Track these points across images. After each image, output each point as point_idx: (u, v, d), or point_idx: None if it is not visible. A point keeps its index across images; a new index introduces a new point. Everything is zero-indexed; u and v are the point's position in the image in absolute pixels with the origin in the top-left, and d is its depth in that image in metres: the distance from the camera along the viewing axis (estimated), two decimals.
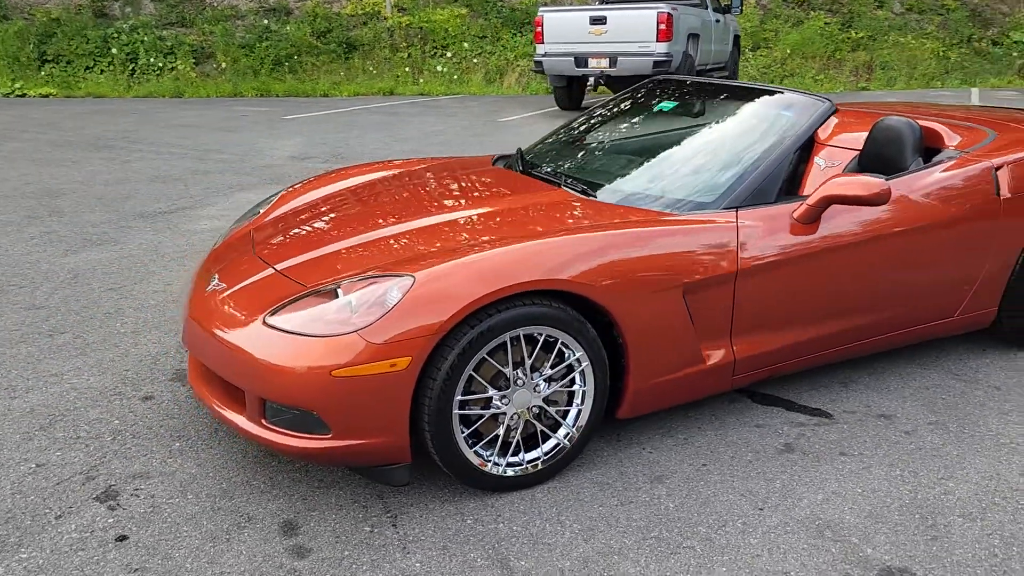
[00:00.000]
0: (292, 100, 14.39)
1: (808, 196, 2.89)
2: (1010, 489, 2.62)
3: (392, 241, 2.81)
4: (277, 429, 2.46)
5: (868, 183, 2.78)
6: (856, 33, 17.13)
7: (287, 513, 2.51)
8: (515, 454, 2.60)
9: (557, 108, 12.31)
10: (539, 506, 2.54)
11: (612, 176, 3.22)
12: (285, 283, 2.68)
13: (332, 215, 3.19)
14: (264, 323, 2.50)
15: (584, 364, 2.60)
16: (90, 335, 3.85)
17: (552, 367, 2.58)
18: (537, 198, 3.05)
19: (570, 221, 2.79)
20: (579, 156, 3.61)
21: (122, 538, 2.39)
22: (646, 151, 3.37)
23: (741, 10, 13.51)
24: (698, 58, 11.54)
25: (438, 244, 2.71)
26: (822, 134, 3.57)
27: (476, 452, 2.53)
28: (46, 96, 15.03)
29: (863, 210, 2.99)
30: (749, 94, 3.37)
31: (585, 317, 2.57)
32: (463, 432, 2.48)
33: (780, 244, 2.85)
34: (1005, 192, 3.30)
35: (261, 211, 3.44)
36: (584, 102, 12.65)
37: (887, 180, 3.00)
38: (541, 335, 2.52)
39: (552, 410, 2.63)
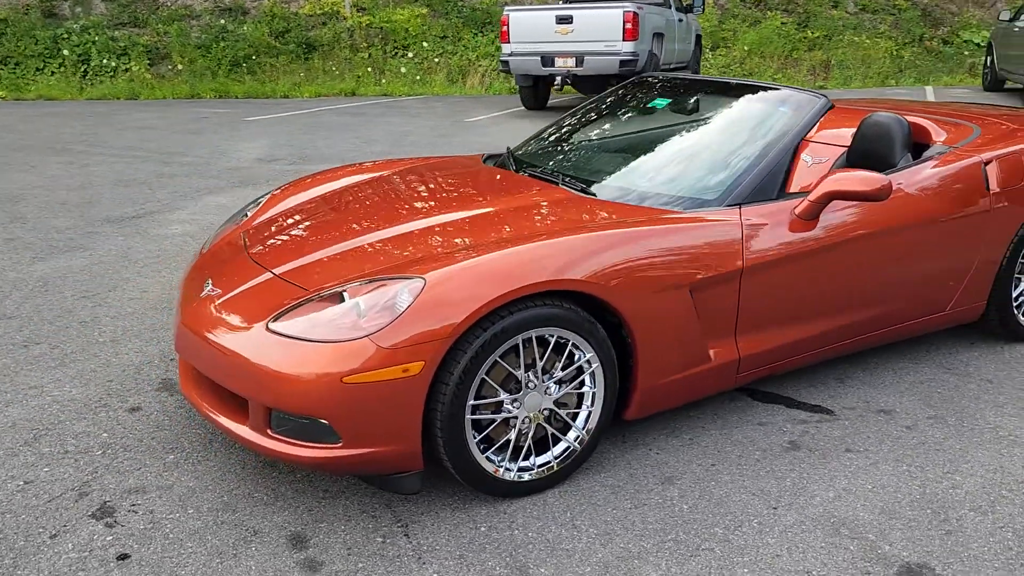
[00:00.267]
0: (252, 101, 14.15)
1: (809, 192, 2.89)
2: (1016, 482, 2.64)
3: (393, 242, 2.74)
4: (284, 439, 2.38)
5: (870, 179, 2.79)
6: (812, 33, 17.38)
7: (294, 525, 2.44)
8: (526, 458, 2.56)
9: (523, 108, 12.27)
10: (552, 511, 2.50)
11: (611, 174, 3.19)
12: (285, 287, 2.60)
13: (327, 217, 3.11)
14: (267, 329, 2.42)
15: (595, 365, 2.57)
16: (67, 345, 3.71)
17: (562, 369, 2.54)
18: (537, 197, 3.00)
19: (575, 220, 2.75)
20: (574, 154, 3.57)
21: (124, 556, 2.29)
22: (643, 148, 3.35)
23: (703, 9, 13.61)
24: (662, 57, 11.60)
25: (442, 245, 2.65)
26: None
27: (488, 458, 2.48)
28: None
29: (862, 205, 3.00)
30: (744, 91, 3.36)
31: (593, 318, 2.53)
32: (475, 437, 2.43)
33: (783, 241, 2.85)
34: (994, 186, 3.34)
35: (250, 213, 3.35)
36: (550, 102, 12.64)
37: (886, 175, 3.01)
38: (552, 337, 2.48)
39: (563, 413, 2.59)
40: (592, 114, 3.83)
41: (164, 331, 3.86)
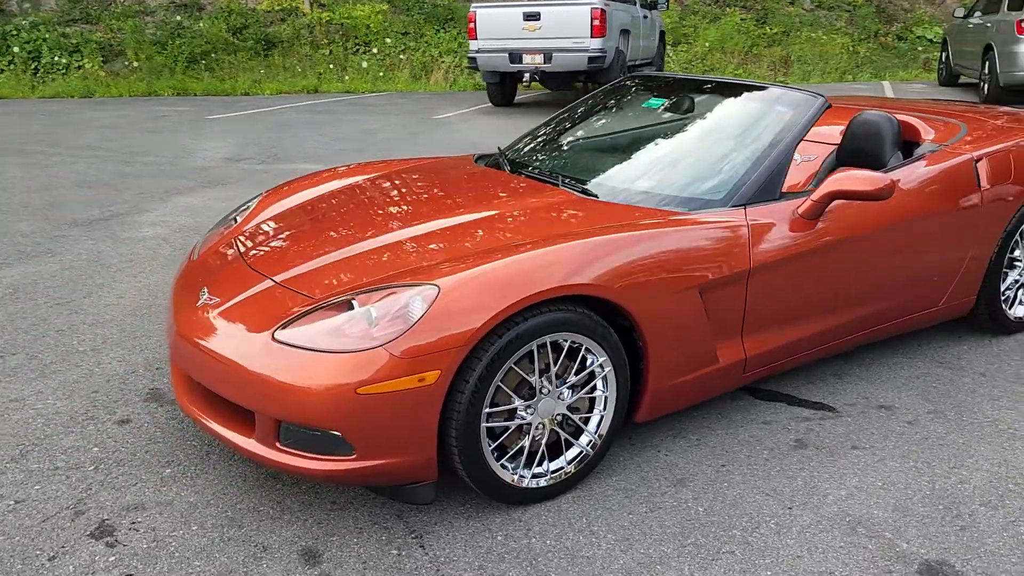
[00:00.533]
0: (213, 99, 13.88)
1: (812, 192, 2.89)
2: (1021, 475, 2.67)
3: (398, 248, 2.68)
4: (293, 451, 2.31)
5: (873, 178, 2.80)
6: (771, 29, 17.58)
7: (304, 540, 2.36)
8: (539, 464, 2.52)
9: (490, 104, 12.21)
10: (568, 517, 2.46)
11: (610, 175, 3.16)
12: (288, 295, 2.52)
13: (324, 221, 3.03)
14: (273, 339, 2.34)
15: (607, 369, 2.54)
16: (45, 355, 3.58)
17: (575, 374, 2.51)
18: (539, 199, 2.96)
19: (582, 223, 2.71)
20: (571, 155, 3.53)
21: None
22: (642, 149, 3.32)
23: (667, 6, 13.68)
24: (628, 54, 11.62)
25: (449, 250, 2.60)
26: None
27: (502, 465, 2.43)
28: None
29: (861, 204, 3.00)
30: (742, 91, 3.35)
31: (605, 322, 2.50)
32: (490, 446, 2.38)
33: (787, 240, 2.84)
34: (984, 183, 3.38)
35: (240, 218, 3.25)
36: (517, 98, 12.60)
37: (887, 174, 3.03)
38: (566, 342, 2.44)
39: (576, 418, 2.55)
40: (585, 114, 3.79)
41: (146, 339, 3.74)
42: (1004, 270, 3.63)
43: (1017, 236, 3.60)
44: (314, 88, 15.06)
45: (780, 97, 3.18)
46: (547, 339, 2.38)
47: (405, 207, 3.08)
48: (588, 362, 2.52)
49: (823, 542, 2.34)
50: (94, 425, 2.99)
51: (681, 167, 3.08)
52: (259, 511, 2.49)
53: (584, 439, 2.58)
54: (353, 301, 2.36)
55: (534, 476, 2.49)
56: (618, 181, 3.07)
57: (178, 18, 16.55)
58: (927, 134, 3.64)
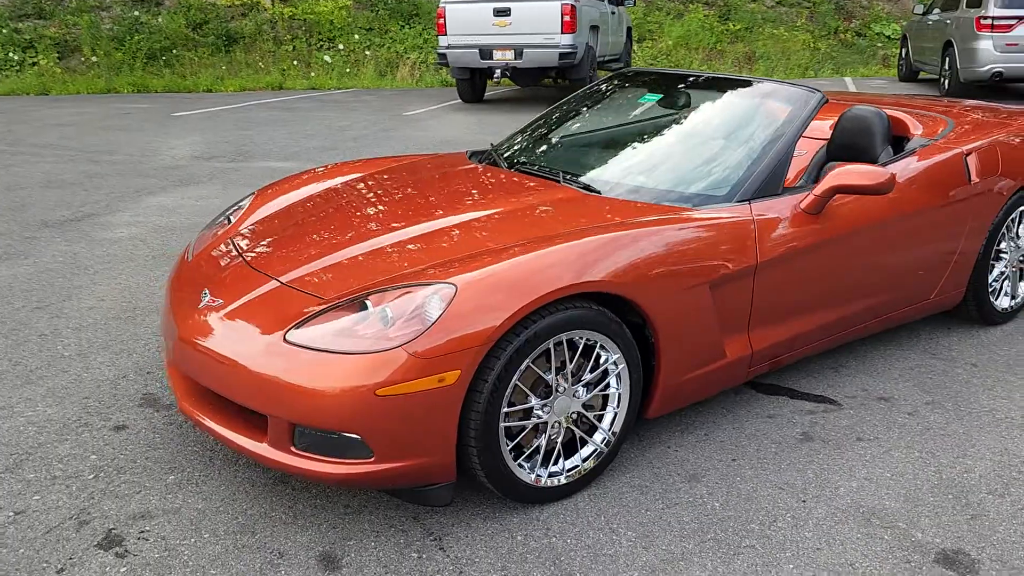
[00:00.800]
0: (175, 96, 13.62)
1: (814, 186, 2.91)
2: (1023, 463, 2.72)
3: (405, 247, 2.64)
4: (309, 455, 2.26)
5: (874, 172, 2.82)
6: (734, 25, 17.75)
7: (321, 545, 2.32)
8: (555, 463, 2.50)
9: (460, 101, 12.15)
10: (586, 516, 2.45)
11: (612, 171, 3.14)
12: (296, 296, 2.47)
13: (324, 220, 2.97)
14: (285, 340, 2.29)
15: (620, 366, 2.53)
16: (30, 361, 3.47)
17: (590, 371, 2.50)
18: (542, 196, 2.94)
19: (591, 219, 2.70)
20: (569, 151, 3.52)
21: None
22: (642, 145, 3.32)
23: (634, 2, 13.73)
24: (598, 50, 11.64)
25: (459, 248, 2.56)
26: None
27: (519, 464, 2.41)
28: None
29: (860, 198, 3.03)
30: (739, 86, 3.36)
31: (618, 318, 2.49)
32: (507, 445, 2.36)
33: (791, 235, 2.86)
34: (974, 177, 3.44)
35: (234, 218, 3.18)
36: (486, 94, 12.56)
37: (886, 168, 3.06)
38: (582, 339, 2.42)
39: (591, 415, 2.54)
40: (580, 109, 3.78)
41: (133, 342, 3.65)
42: (991, 262, 3.70)
43: (1003, 229, 3.67)
44: (278, 85, 14.86)
45: (778, 92, 3.20)
46: (563, 337, 2.37)
47: (406, 205, 3.04)
48: (602, 359, 2.51)
49: (840, 534, 2.36)
50: (89, 432, 2.90)
51: (683, 163, 3.08)
52: (271, 517, 2.44)
53: (598, 436, 2.57)
54: (366, 301, 2.32)
55: (551, 475, 2.48)
56: (620, 177, 3.06)
57: (136, 13, 16.21)
58: (916, 129, 3.69)
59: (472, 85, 11.59)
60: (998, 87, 11.43)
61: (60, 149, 8.50)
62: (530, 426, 2.41)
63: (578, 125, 3.71)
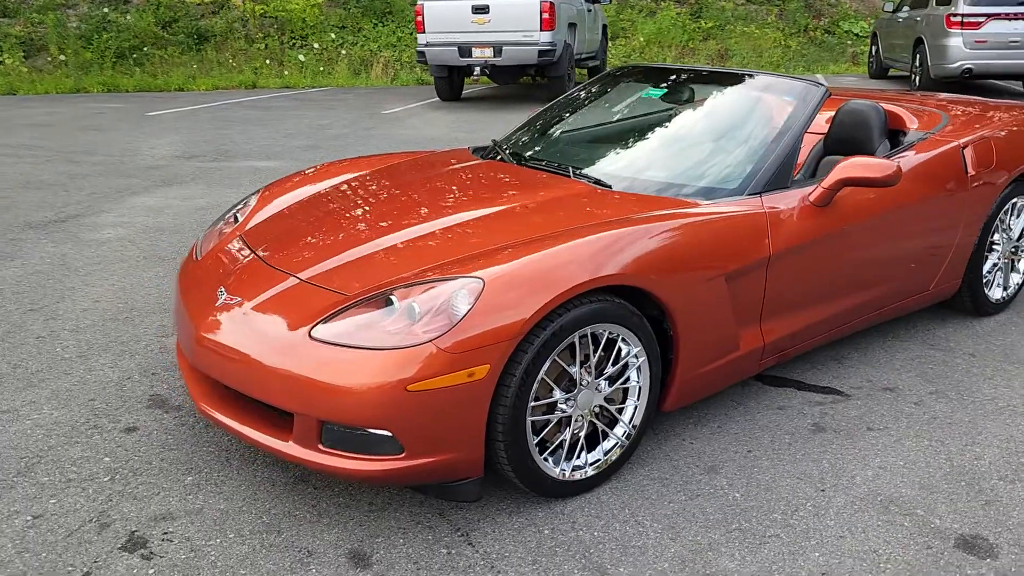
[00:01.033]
0: (146, 95, 13.42)
1: (823, 179, 2.95)
2: None
3: (422, 242, 2.64)
4: (337, 452, 2.25)
5: (881, 165, 2.87)
6: (706, 23, 17.90)
7: (349, 542, 2.31)
8: (578, 457, 2.51)
9: (438, 99, 12.12)
10: (610, 509, 2.47)
11: (623, 166, 3.16)
12: (317, 293, 2.46)
13: (337, 216, 2.96)
14: (310, 337, 2.28)
15: (641, 359, 2.55)
16: (30, 363, 3.41)
17: (612, 364, 2.51)
18: (556, 191, 2.95)
19: (608, 213, 2.71)
20: (577, 147, 3.53)
21: None
22: (650, 139, 3.34)
23: (610, 0, 13.77)
24: (575, 47, 11.68)
25: (479, 242, 2.57)
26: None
27: (544, 459, 2.42)
28: None
29: (866, 190, 3.08)
30: (744, 80, 3.40)
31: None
32: (534, 440, 2.37)
33: (801, 227, 2.90)
34: (970, 169, 3.51)
35: (241, 216, 3.15)
36: (464, 92, 12.54)
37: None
38: (605, 333, 2.44)
39: (613, 408, 2.56)
40: (583, 104, 3.80)
41: (134, 343, 3.61)
42: (985, 254, 3.78)
43: (997, 221, 3.74)
44: (251, 83, 14.71)
45: (784, 87, 3.24)
46: (588, 330, 2.38)
47: (418, 201, 3.03)
48: (623, 353, 2.52)
49: (861, 522, 2.40)
50: (99, 435, 2.86)
51: (693, 157, 3.11)
52: (295, 516, 2.43)
53: (619, 430, 2.59)
54: (391, 296, 2.31)
55: (575, 468, 2.49)
56: (631, 171, 3.08)
57: (104, 11, 15.96)
58: (911, 123, 3.76)
59: (450, 83, 11.57)
60: (968, 83, 11.64)
61: (36, 150, 8.34)
62: (555, 420, 2.42)
63: (583, 120, 3.72)
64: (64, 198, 6.31)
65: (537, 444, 2.40)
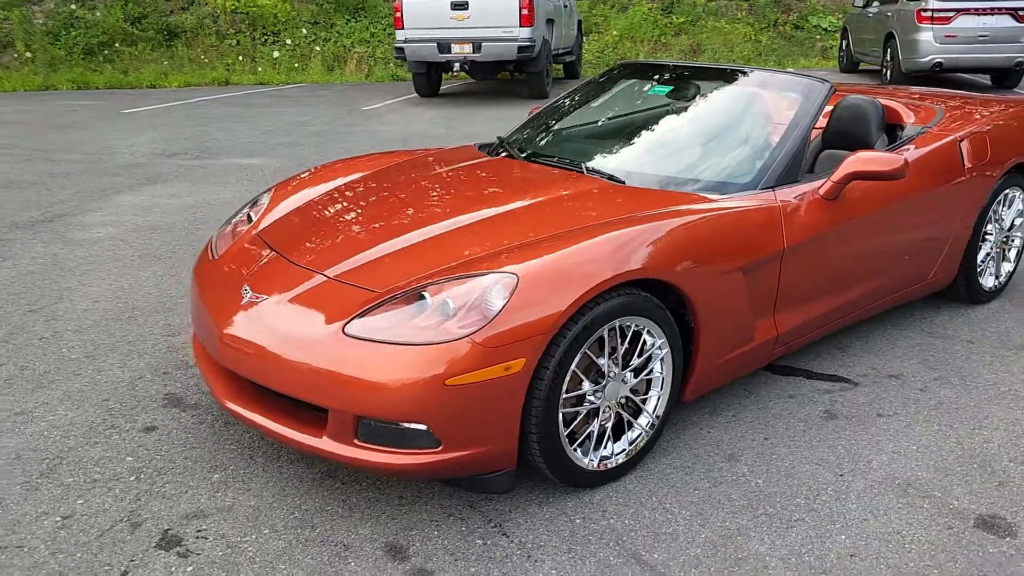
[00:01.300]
0: (118, 92, 13.22)
1: (832, 173, 3.02)
2: None
3: (448, 238, 2.66)
4: (373, 447, 2.27)
5: (889, 159, 2.94)
6: (677, 18, 18.04)
7: (384, 536, 2.33)
8: (605, 447, 2.56)
9: (416, 95, 12.10)
10: (638, 497, 2.51)
11: (636, 162, 3.19)
12: (346, 290, 2.47)
13: (355, 213, 2.97)
14: (344, 333, 2.29)
15: (664, 351, 2.60)
16: (37, 365, 3.38)
17: (638, 356, 2.56)
18: (572, 187, 2.98)
19: (627, 208, 2.75)
20: (587, 142, 3.56)
21: None
22: (660, 135, 3.38)
23: None
24: (553, 43, 11.72)
25: (502, 238, 2.59)
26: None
27: (574, 449, 2.46)
28: None
29: (871, 184, 3.15)
30: (751, 76, 3.45)
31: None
32: (564, 431, 2.41)
33: (812, 220, 2.96)
34: (967, 162, 3.60)
35: (255, 215, 3.14)
36: (442, 88, 12.52)
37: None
38: (631, 325, 2.48)
39: (638, 399, 2.60)
40: (590, 100, 3.83)
41: (140, 343, 3.58)
42: (979, 243, 3.88)
43: (990, 212, 3.84)
44: (224, 80, 14.55)
45: (789, 83, 3.30)
46: (616, 323, 2.42)
47: (435, 198, 3.05)
48: (647, 345, 2.57)
49: (882, 504, 2.47)
50: (118, 435, 2.85)
51: (706, 152, 3.16)
52: (327, 511, 2.44)
53: (643, 420, 2.63)
54: (423, 292, 2.33)
55: (602, 459, 2.53)
56: (645, 168, 3.12)
57: (72, 7, 15.69)
58: (908, 117, 3.84)
59: (429, 79, 11.56)
60: (938, 77, 11.86)
61: (11, 148, 8.20)
62: (584, 412, 2.46)
63: (590, 117, 3.76)
64: (48, 197, 6.22)
65: (567, 435, 2.44)
